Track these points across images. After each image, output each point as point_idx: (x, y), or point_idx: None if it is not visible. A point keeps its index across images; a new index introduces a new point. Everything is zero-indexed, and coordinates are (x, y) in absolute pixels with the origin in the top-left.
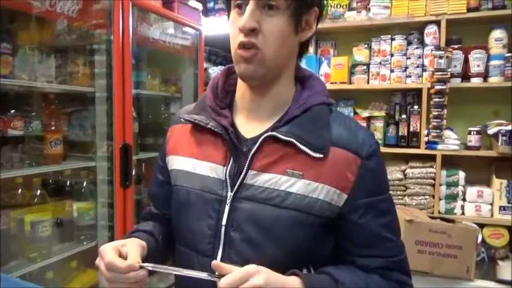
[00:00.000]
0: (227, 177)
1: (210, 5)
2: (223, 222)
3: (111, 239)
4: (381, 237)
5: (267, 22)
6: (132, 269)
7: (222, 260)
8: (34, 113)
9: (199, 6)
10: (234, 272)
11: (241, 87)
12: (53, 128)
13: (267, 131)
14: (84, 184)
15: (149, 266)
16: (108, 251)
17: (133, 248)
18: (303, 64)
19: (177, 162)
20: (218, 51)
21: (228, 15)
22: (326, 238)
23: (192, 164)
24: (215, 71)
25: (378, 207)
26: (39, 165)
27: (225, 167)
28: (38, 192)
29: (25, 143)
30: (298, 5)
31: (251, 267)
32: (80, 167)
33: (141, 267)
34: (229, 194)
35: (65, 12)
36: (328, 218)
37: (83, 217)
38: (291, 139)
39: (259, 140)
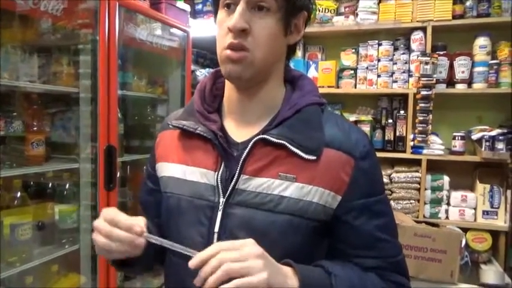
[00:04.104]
0: (219, 183)
1: (199, 7)
2: (216, 229)
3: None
4: (377, 239)
5: (257, 23)
6: (133, 229)
7: None
8: (15, 113)
9: (188, 7)
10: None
11: (229, 90)
12: (35, 128)
13: (257, 134)
14: (67, 186)
15: (151, 237)
16: (112, 210)
17: (136, 218)
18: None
19: (167, 169)
20: (206, 54)
21: (215, 15)
22: (320, 243)
23: (182, 170)
24: (202, 73)
25: (372, 209)
26: (20, 166)
27: (216, 173)
28: (18, 194)
29: (6, 143)
30: (289, 7)
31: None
32: (63, 169)
33: (142, 234)
34: (221, 200)
35: (49, 11)
36: (322, 222)
37: (65, 220)
38: (282, 141)
39: (250, 144)
